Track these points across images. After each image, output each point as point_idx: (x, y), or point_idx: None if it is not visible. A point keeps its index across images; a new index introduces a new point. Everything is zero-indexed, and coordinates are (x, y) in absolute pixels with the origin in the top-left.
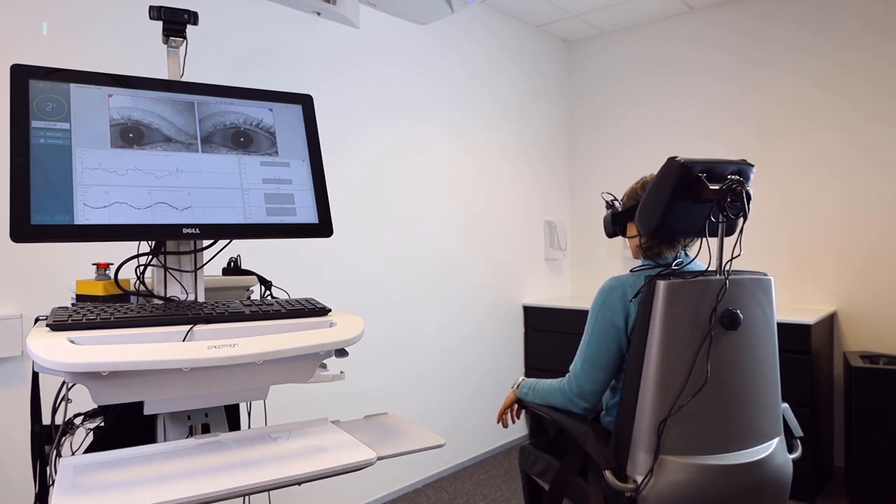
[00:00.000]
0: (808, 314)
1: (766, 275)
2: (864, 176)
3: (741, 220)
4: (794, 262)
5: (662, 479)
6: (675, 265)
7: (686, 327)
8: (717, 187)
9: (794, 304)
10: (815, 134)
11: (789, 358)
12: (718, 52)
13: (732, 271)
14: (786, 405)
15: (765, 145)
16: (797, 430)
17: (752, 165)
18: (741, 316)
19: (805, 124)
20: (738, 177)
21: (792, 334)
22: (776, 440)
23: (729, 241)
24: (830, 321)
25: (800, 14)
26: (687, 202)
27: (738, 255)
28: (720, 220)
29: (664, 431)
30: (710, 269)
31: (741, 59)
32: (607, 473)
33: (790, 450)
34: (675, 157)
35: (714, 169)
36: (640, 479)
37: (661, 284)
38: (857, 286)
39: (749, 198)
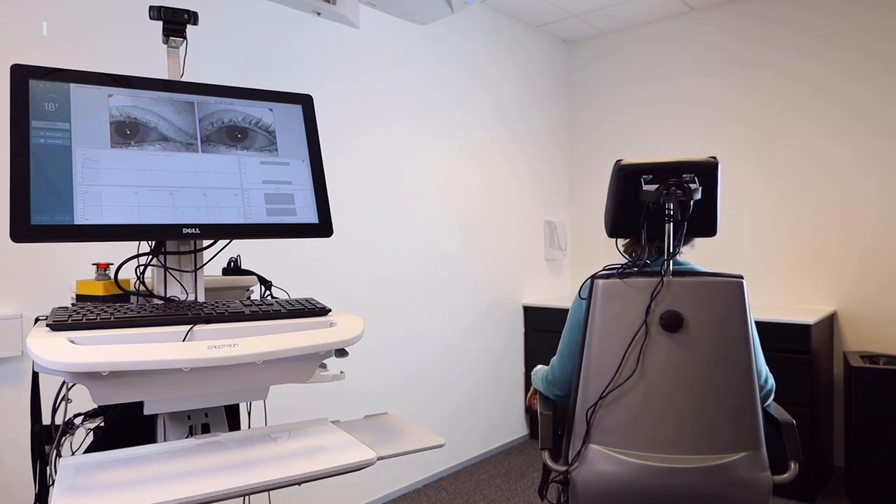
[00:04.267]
0: (807, 314)
1: (739, 277)
2: (863, 176)
3: (683, 220)
4: (794, 262)
5: (589, 467)
6: (639, 264)
7: (622, 325)
8: (653, 189)
9: (794, 304)
10: (815, 133)
11: (789, 358)
12: (719, 51)
13: (690, 272)
14: (793, 422)
15: (764, 144)
16: (793, 452)
17: (716, 162)
18: (684, 318)
19: (805, 124)
20: (689, 175)
21: (792, 334)
22: (742, 454)
23: (720, 240)
24: (830, 321)
25: (800, 13)
26: (633, 203)
27: (676, 253)
28: (666, 221)
29: (592, 421)
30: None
31: (741, 58)
32: (543, 453)
33: (780, 470)
34: (620, 159)
35: (659, 170)
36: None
37: (599, 283)
38: (857, 286)
39: (689, 197)
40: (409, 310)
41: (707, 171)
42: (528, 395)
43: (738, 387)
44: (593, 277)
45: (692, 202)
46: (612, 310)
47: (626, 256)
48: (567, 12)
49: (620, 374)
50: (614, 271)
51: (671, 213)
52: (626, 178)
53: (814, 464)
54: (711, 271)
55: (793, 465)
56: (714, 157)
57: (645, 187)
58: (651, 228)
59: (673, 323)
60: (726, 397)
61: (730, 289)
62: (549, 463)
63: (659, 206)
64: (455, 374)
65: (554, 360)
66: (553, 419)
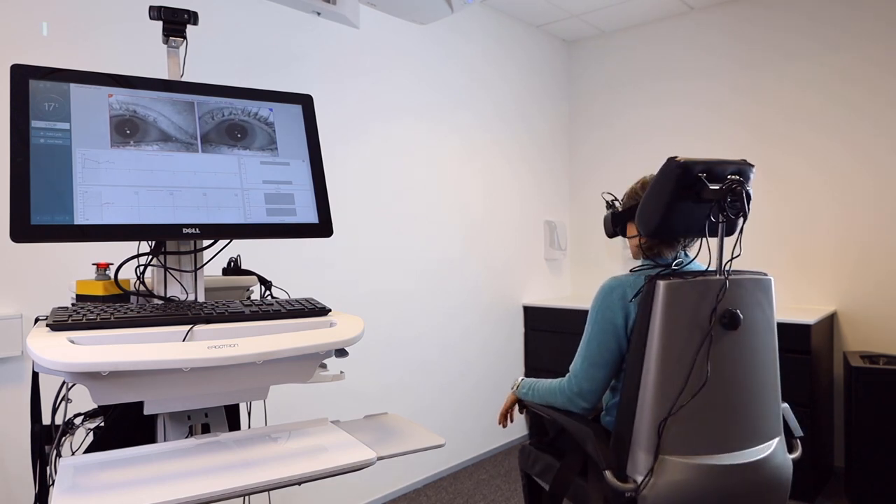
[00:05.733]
0: (808, 314)
1: (766, 275)
2: (862, 176)
3: (741, 219)
4: (794, 263)
5: (662, 479)
6: (675, 265)
7: (686, 327)
8: (717, 187)
9: (794, 304)
10: (813, 134)
11: (789, 358)
12: (719, 52)
13: (732, 271)
14: (786, 405)
15: (763, 145)
16: (797, 430)
17: (752, 166)
18: (741, 316)
19: (803, 124)
20: (738, 177)
21: (792, 334)
22: (776, 440)
23: (729, 242)
24: (830, 321)
25: (799, 15)
26: (687, 202)
27: (738, 255)
28: (720, 220)
29: (664, 431)
30: (710, 269)
31: (741, 59)
32: (607, 473)
33: (790, 450)
34: (675, 157)
35: (714, 169)
36: (639, 478)
37: (662, 284)
38: (857, 286)
39: (749, 197)
40: (409, 310)
41: (745, 173)
42: (505, 407)
43: (772, 377)
44: (654, 278)
45: (749, 202)
46: (676, 312)
47: (649, 256)
48: (567, 12)
49: (693, 380)
50: (650, 271)
51: (737, 210)
52: (685, 176)
53: (814, 464)
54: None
55: (798, 443)
56: (745, 160)
57: (711, 186)
58: (695, 227)
59: (733, 322)
60: (767, 388)
61: (767, 286)
62: (618, 484)
63: (718, 204)
64: (455, 374)
65: (576, 369)
66: (594, 434)
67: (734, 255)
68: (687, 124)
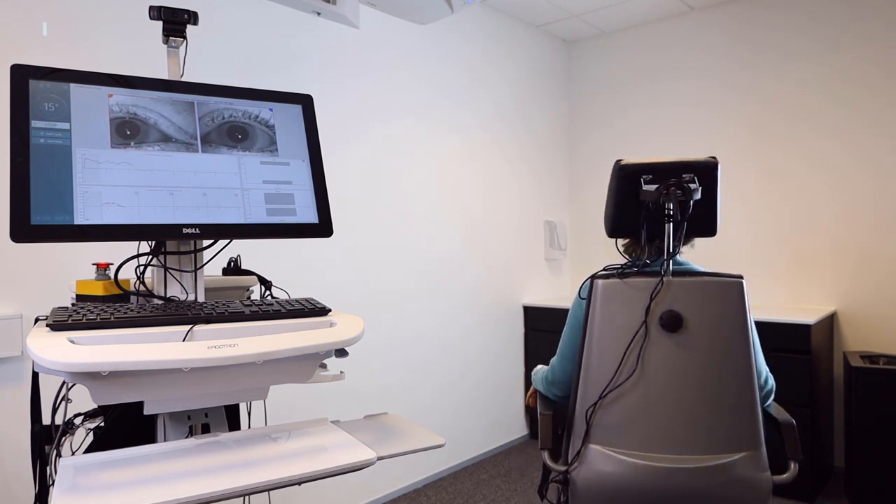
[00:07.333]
0: (807, 314)
1: (739, 277)
2: (861, 176)
3: (683, 220)
4: (794, 263)
5: (587, 467)
6: (639, 264)
7: (621, 325)
8: (653, 189)
9: (793, 304)
10: (813, 134)
11: (789, 358)
12: (719, 52)
13: (692, 272)
14: (793, 422)
15: (763, 145)
16: (793, 452)
17: (716, 162)
18: (684, 318)
19: (803, 125)
20: (689, 175)
21: (792, 334)
22: (742, 454)
23: (720, 240)
24: (830, 321)
25: (799, 15)
26: (633, 203)
27: (675, 254)
28: (666, 221)
29: (592, 421)
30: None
31: (741, 59)
32: (543, 453)
33: (779, 470)
34: (620, 159)
35: (659, 170)
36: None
37: (598, 283)
38: (857, 286)
39: (689, 196)
40: (409, 310)
41: (707, 171)
42: (528, 394)
43: (738, 387)
44: (593, 277)
45: (692, 202)
46: (611, 310)
47: (626, 256)
48: (567, 12)
49: (620, 374)
50: (614, 271)
51: (671, 213)
52: (626, 178)
53: (814, 464)
54: (711, 271)
55: (792, 466)
56: (714, 157)
57: (645, 187)
58: (651, 228)
59: (672, 323)
60: (726, 397)
61: (729, 289)
62: (549, 463)
63: (659, 205)
64: (455, 374)
65: (554, 360)
66: (553, 419)
67: (673, 254)
68: (687, 124)
